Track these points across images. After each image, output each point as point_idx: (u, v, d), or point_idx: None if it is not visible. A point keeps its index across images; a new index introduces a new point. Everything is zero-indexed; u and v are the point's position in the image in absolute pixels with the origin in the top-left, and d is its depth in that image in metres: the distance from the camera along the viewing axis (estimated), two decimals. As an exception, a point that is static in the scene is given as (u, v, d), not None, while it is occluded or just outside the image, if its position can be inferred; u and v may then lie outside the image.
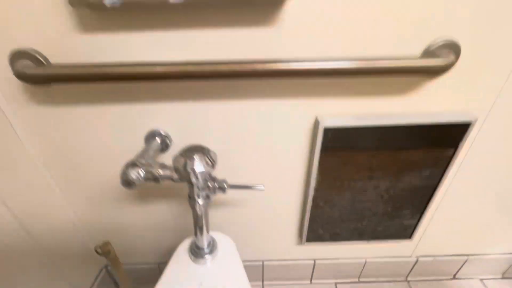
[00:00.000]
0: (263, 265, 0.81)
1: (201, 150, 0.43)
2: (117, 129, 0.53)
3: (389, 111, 0.52)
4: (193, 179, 0.43)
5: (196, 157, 0.42)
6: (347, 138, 0.53)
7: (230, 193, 0.64)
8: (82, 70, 0.43)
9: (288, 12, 0.42)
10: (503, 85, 0.50)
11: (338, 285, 0.86)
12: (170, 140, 0.55)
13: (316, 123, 0.52)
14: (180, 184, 0.57)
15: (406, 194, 0.63)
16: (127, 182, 0.43)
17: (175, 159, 0.43)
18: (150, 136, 0.53)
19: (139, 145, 0.55)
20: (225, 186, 0.47)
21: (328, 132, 0.51)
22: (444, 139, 0.53)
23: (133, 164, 0.43)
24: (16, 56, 0.44)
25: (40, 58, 0.44)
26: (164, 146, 0.54)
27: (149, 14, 0.42)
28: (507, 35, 0.45)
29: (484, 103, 0.52)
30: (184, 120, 0.53)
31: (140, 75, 0.43)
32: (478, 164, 0.61)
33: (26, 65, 0.43)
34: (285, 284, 0.86)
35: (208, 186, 0.46)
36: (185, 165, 0.42)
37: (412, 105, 0.52)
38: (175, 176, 0.44)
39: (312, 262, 0.80)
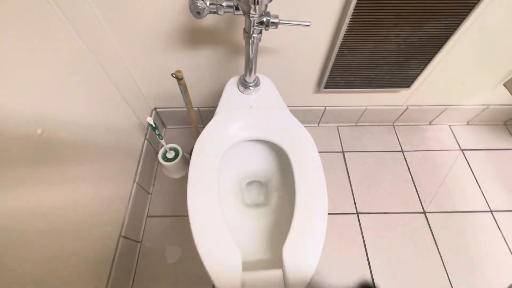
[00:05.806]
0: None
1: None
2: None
3: None
4: (252, 11, 0.49)
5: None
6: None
7: (267, 42, 0.71)
8: None
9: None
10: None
11: (339, 128, 1.09)
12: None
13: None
14: (228, 32, 0.63)
15: (421, 43, 0.71)
16: (196, 12, 0.48)
17: (240, -10, 0.47)
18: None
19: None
20: (277, 21, 0.53)
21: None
22: None
23: (198, -5, 0.48)
24: None
25: None
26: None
27: None
28: None
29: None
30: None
31: None
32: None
33: None
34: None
35: (262, 22, 0.53)
36: (247, -3, 0.47)
37: None
38: (235, 7, 0.50)
39: (323, 108, 0.99)
